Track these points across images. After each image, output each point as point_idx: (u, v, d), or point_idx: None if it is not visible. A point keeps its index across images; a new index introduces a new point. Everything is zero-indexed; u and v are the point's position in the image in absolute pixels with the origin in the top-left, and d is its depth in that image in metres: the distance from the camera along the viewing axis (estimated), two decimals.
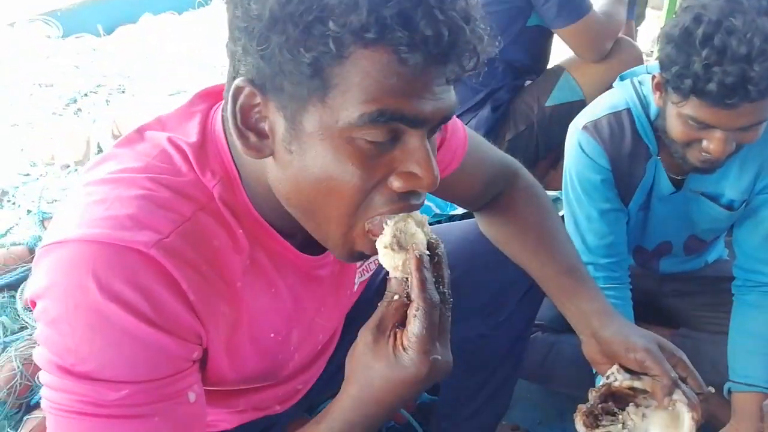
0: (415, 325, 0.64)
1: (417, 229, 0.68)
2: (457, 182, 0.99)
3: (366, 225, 0.67)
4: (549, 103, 2.13)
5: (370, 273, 1.00)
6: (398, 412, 1.50)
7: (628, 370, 0.84)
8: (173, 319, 0.66)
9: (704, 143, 1.16)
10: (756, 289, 1.40)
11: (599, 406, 0.82)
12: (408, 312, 0.65)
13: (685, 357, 0.84)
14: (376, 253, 0.68)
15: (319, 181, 0.64)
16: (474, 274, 1.12)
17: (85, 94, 2.80)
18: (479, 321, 1.18)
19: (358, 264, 0.94)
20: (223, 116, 0.73)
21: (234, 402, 0.95)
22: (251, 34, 0.61)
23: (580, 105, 1.89)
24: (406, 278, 0.66)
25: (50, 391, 0.66)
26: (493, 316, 1.18)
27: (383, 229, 0.67)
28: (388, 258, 0.67)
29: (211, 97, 0.78)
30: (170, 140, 0.72)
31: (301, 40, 0.59)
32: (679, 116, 1.18)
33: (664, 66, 1.16)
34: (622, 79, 1.41)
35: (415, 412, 1.53)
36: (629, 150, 1.35)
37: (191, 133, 0.73)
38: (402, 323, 0.66)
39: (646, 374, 0.82)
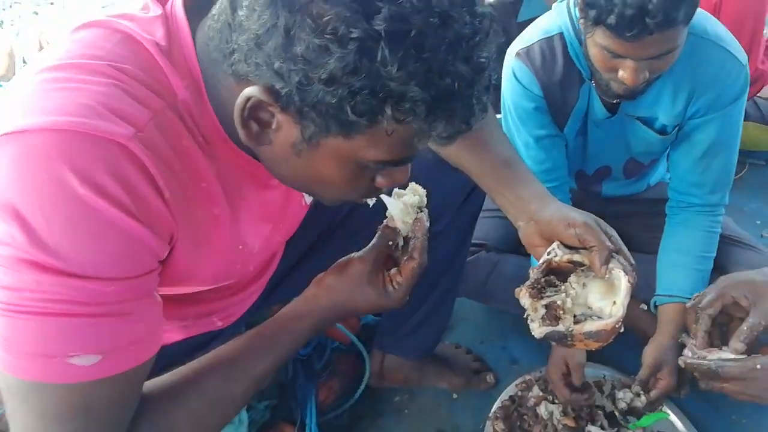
0: (410, 275, 0.85)
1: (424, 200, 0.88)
2: None
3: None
4: (520, 18, 2.15)
5: None
6: (343, 333, 1.51)
7: (567, 247, 0.86)
8: (152, 214, 0.64)
9: (620, 72, 1.16)
10: (687, 209, 1.44)
11: (542, 279, 0.84)
12: (407, 262, 0.85)
13: (615, 234, 0.87)
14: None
15: (317, 177, 0.71)
16: None
17: (10, 6, 2.59)
18: None
19: None
20: (200, 41, 0.70)
21: (182, 312, 0.96)
22: (294, 66, 0.58)
23: None
24: (398, 230, 0.87)
25: (11, 292, 0.60)
26: (430, 228, 1.18)
27: (406, 187, 0.86)
28: (403, 213, 0.85)
29: None
30: (133, 33, 0.68)
31: (351, 103, 0.59)
32: (594, 44, 1.17)
33: None
34: None
35: (358, 333, 1.55)
36: (561, 76, 1.34)
37: (156, 33, 0.69)
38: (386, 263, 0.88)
39: (584, 248, 0.84)
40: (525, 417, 1.37)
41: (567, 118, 1.40)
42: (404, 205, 0.85)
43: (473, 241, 1.47)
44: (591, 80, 1.31)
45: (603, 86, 1.26)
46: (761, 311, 0.98)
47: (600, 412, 1.37)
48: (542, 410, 1.36)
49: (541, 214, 0.89)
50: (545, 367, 1.41)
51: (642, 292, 1.58)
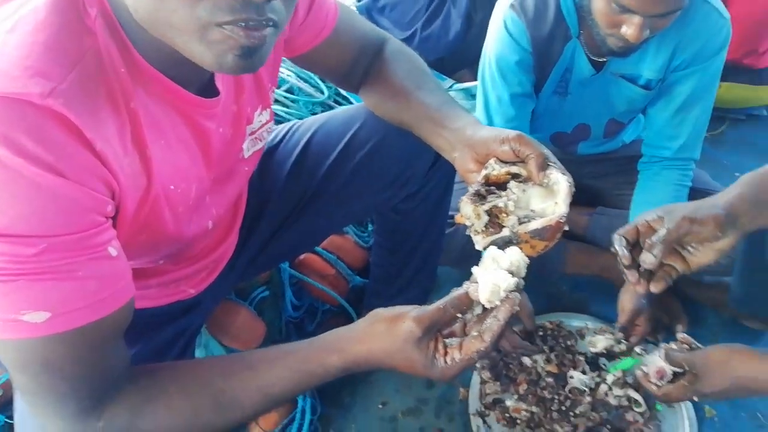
0: (470, 357, 0.72)
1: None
2: (330, 51, 1.01)
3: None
4: None
5: (263, 142, 1.00)
6: (333, 297, 1.56)
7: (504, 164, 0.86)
8: (82, 170, 0.63)
9: (623, 29, 1.17)
10: (658, 163, 1.48)
11: (483, 189, 0.84)
12: (473, 340, 0.73)
13: (548, 150, 0.87)
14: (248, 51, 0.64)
15: None
16: (382, 149, 1.14)
17: None
18: (391, 193, 1.21)
19: (248, 131, 0.93)
20: None
21: (143, 282, 0.95)
22: None
23: None
24: (473, 301, 0.74)
25: None
26: (405, 188, 1.21)
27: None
28: (492, 294, 0.72)
29: None
30: None
31: None
32: None
33: None
34: None
35: (347, 296, 1.59)
36: (549, 30, 1.35)
37: None
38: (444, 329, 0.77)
39: (521, 162, 0.85)
40: (510, 366, 1.42)
41: (548, 75, 1.42)
42: (496, 287, 0.73)
43: (453, 213, 1.50)
44: (578, 37, 1.35)
45: (598, 42, 1.28)
46: (668, 221, 0.93)
47: (581, 358, 1.42)
48: (526, 359, 1.42)
49: (476, 136, 0.88)
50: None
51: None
